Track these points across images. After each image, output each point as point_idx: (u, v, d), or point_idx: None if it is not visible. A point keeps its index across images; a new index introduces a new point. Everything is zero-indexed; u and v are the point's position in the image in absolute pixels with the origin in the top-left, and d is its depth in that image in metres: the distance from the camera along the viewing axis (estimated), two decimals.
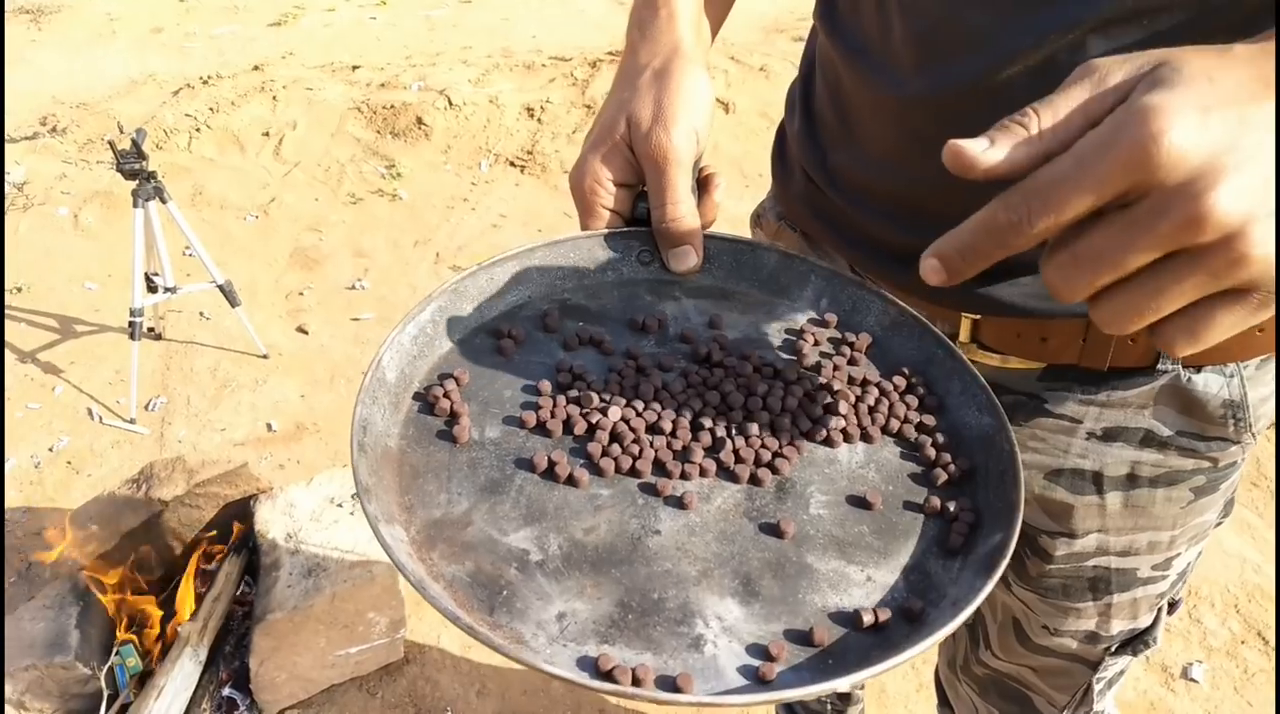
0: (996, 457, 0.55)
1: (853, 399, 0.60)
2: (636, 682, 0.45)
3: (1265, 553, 1.98)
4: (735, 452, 0.56)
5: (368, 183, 3.23)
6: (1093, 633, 0.84)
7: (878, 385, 0.61)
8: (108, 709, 1.62)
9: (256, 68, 3.74)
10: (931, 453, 0.57)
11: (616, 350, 0.63)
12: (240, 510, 1.87)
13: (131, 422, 2.39)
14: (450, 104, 3.45)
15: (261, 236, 3.02)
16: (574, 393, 0.59)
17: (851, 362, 0.63)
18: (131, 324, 2.35)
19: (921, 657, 1.83)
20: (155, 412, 2.43)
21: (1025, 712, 0.95)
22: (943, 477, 0.56)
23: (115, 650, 1.70)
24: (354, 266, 2.91)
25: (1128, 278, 0.40)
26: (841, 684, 0.45)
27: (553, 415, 0.57)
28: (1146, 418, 0.71)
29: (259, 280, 2.85)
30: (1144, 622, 0.85)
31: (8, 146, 3.25)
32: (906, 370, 0.62)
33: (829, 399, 0.59)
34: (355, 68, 3.76)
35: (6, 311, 2.74)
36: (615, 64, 3.71)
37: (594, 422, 0.57)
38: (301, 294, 2.81)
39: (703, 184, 0.68)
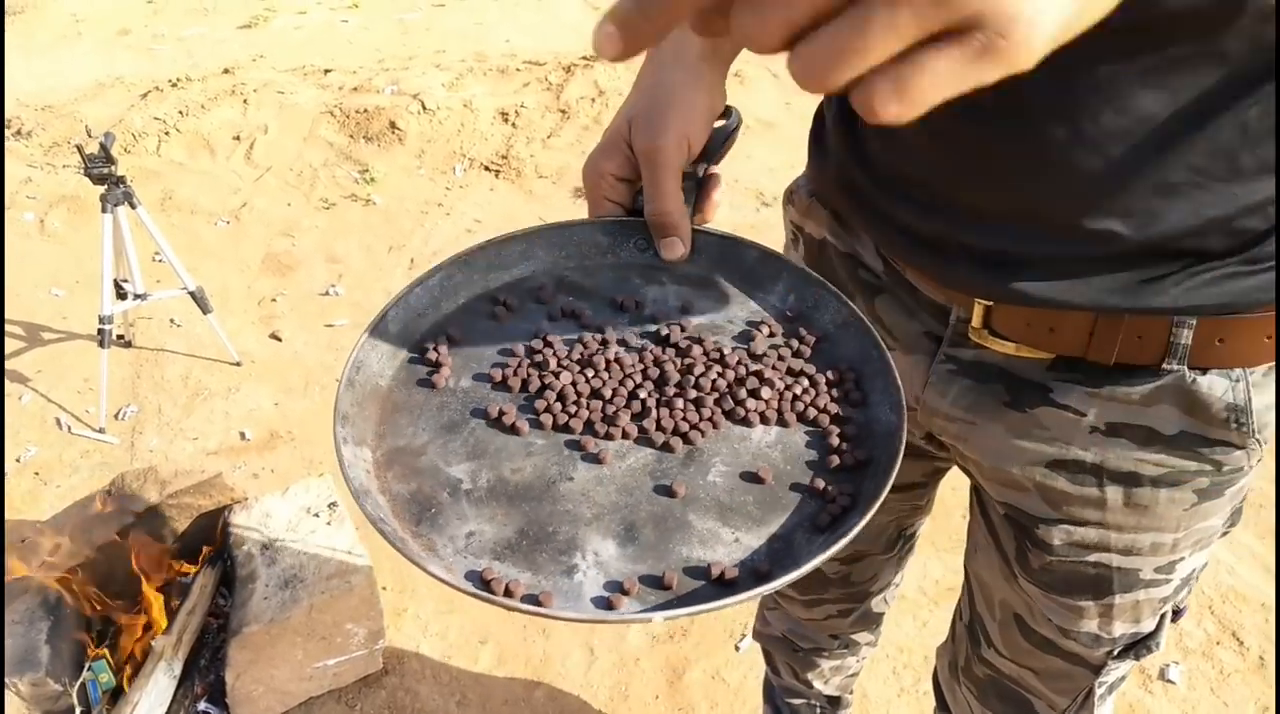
0: (888, 451, 0.59)
1: (779, 386, 0.65)
2: (508, 593, 0.53)
3: (1238, 555, 2.00)
4: (657, 421, 0.63)
5: (341, 188, 3.20)
6: (1095, 634, 0.85)
7: (810, 377, 0.66)
8: None
9: (227, 70, 3.69)
10: (834, 441, 0.62)
11: (591, 324, 0.70)
12: (214, 521, 1.84)
13: (101, 431, 2.35)
14: (424, 108, 3.42)
15: (233, 242, 2.98)
16: (539, 357, 0.67)
17: (797, 353, 0.68)
18: (100, 331, 2.31)
19: (903, 661, 1.83)
20: (125, 421, 2.39)
21: None
22: (836, 462, 0.61)
23: (87, 666, 1.66)
24: (328, 272, 2.88)
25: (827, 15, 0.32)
26: (658, 617, 0.52)
27: (515, 374, 0.66)
28: (1150, 416, 0.71)
29: (231, 286, 2.82)
30: (1146, 626, 0.85)
31: None
32: (843, 366, 0.67)
33: (757, 384, 0.65)
34: (327, 71, 3.72)
35: None
36: (589, 69, 3.70)
37: (546, 382, 0.66)
38: (274, 300, 2.77)
39: (705, 183, 0.75)
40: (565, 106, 3.54)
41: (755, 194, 3.17)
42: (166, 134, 3.29)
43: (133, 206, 2.27)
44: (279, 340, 2.63)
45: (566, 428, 0.63)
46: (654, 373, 0.66)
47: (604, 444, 0.62)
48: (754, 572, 0.55)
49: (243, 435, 2.35)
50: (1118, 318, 0.68)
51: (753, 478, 0.61)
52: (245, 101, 3.47)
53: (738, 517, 0.58)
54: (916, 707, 1.78)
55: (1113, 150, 0.61)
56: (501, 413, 0.63)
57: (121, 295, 2.40)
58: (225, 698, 1.70)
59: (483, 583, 0.54)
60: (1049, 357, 0.73)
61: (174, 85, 3.53)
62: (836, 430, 0.63)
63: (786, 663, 1.37)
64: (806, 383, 0.65)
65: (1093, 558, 0.80)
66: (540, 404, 0.64)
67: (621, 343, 0.69)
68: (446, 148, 3.35)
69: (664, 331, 0.69)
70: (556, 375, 0.66)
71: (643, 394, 0.65)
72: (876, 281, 0.83)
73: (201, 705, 1.73)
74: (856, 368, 0.66)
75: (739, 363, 0.66)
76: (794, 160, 3.13)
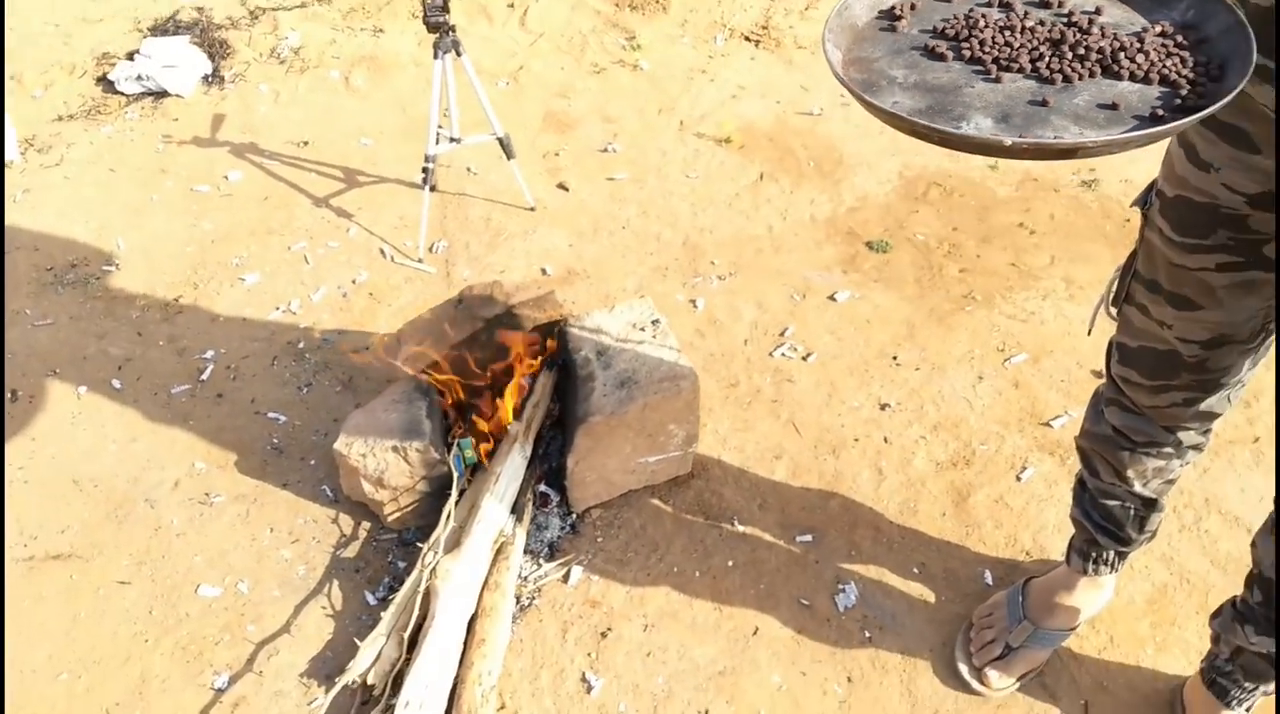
0: (1220, 99, 0.79)
1: (1154, 57, 0.86)
2: (909, 121, 0.81)
3: None
4: (1048, 62, 0.87)
5: (609, 54, 3.37)
6: None
7: (1181, 56, 0.86)
8: (455, 490, 1.88)
9: None
10: (1183, 92, 0.83)
11: (1019, 10, 0.97)
12: (550, 331, 2.08)
13: (420, 261, 2.65)
14: None
15: (514, 101, 3.21)
16: (973, 20, 0.95)
17: (1179, 44, 0.88)
18: (425, 170, 2.58)
19: (1184, 501, 1.92)
20: (439, 254, 2.68)
21: None
22: (1178, 103, 0.82)
23: (455, 443, 1.96)
24: (604, 131, 3.07)
25: None
26: (1007, 139, 0.78)
27: (951, 27, 0.95)
28: None
29: (516, 141, 3.03)
30: None
31: (283, 13, 3.52)
32: (1214, 55, 0.87)
33: (1135, 51, 0.87)
34: None
35: (298, 163, 3.03)
36: None
37: (972, 33, 0.93)
38: (557, 155, 2.99)
39: None
40: None
41: None
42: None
43: (458, 54, 2.50)
44: (566, 190, 2.86)
45: (978, 61, 0.90)
46: (1055, 37, 0.91)
47: (1003, 74, 0.89)
48: (1080, 147, 0.78)
49: (543, 271, 2.59)
50: None
51: (1109, 107, 0.84)
52: None
53: (1087, 123, 0.83)
54: (1197, 542, 1.86)
55: None
56: (934, 48, 0.93)
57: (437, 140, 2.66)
58: (563, 480, 1.96)
59: (887, 112, 0.83)
60: None
61: None
62: (1188, 87, 0.83)
63: (1108, 461, 1.47)
64: (1178, 59, 0.86)
65: None
66: (964, 46, 0.92)
67: (1039, 22, 0.94)
68: (708, 17, 3.45)
69: (1074, 18, 0.93)
70: (982, 30, 0.93)
71: (1043, 49, 0.91)
72: None
73: (541, 487, 2.00)
74: (1225, 58, 0.85)
75: (1127, 42, 0.89)
76: None
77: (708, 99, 3.14)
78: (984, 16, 0.96)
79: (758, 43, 3.36)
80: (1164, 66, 0.86)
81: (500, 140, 2.64)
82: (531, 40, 3.44)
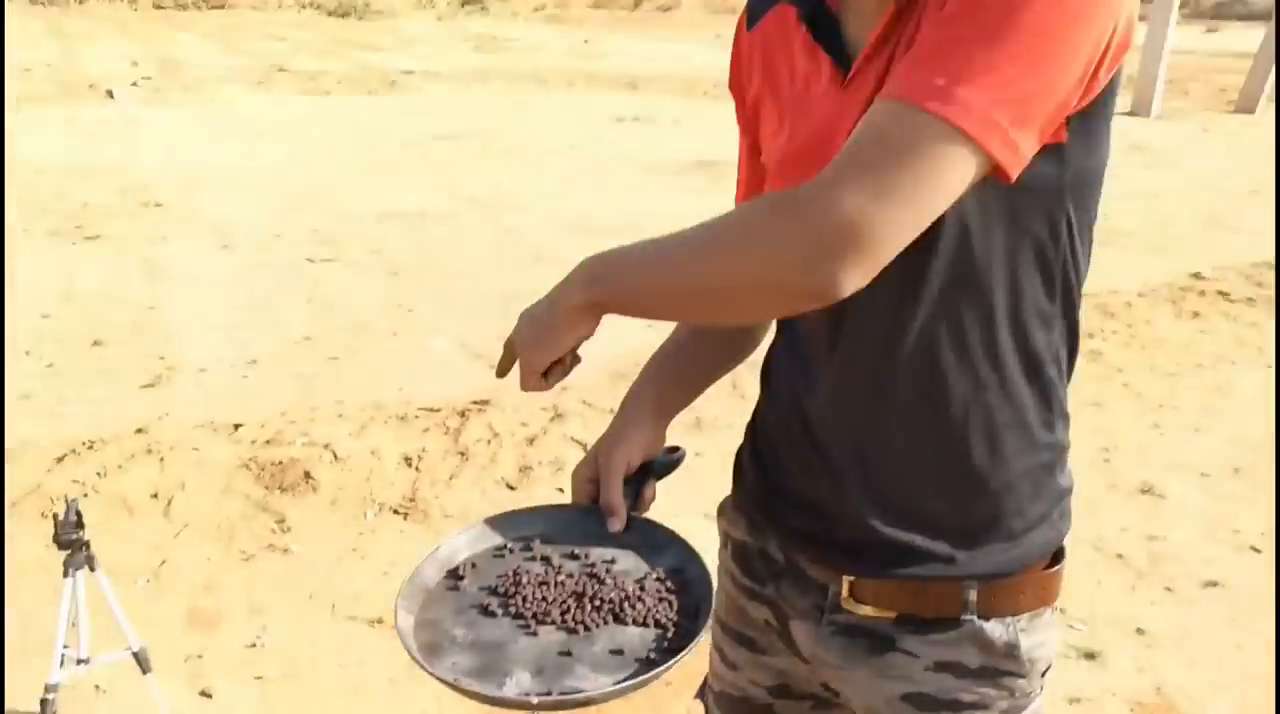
0: (689, 646, 1.05)
1: (650, 604, 1.11)
2: (459, 687, 0.98)
3: None
4: (575, 616, 1.09)
5: (258, 539, 3.43)
6: None
7: (670, 601, 1.12)
8: None
9: (139, 430, 3.95)
10: (670, 636, 1.09)
11: (555, 563, 1.17)
12: None
13: None
14: (335, 457, 3.76)
15: (154, 600, 3.12)
16: (518, 578, 1.14)
17: (669, 590, 1.14)
18: (43, 702, 2.39)
19: None
20: None
21: None
22: (666, 646, 1.07)
23: None
24: (251, 625, 3.04)
25: None
26: (534, 699, 0.96)
27: (501, 584, 1.13)
28: (960, 654, 1.09)
29: (155, 646, 2.90)
30: None
31: None
32: (695, 600, 1.13)
33: (636, 601, 1.11)
34: (237, 426, 4.04)
35: None
36: (481, 414, 4.16)
37: (517, 591, 1.12)
38: (200, 657, 2.90)
39: (643, 488, 1.24)
40: (464, 449, 3.96)
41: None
42: (85, 496, 3.47)
43: (92, 569, 2.45)
44: (210, 697, 2.74)
45: (521, 615, 1.08)
46: (579, 590, 1.12)
47: (540, 627, 1.07)
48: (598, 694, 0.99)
49: None
50: (929, 584, 1.08)
51: (618, 652, 1.04)
52: (161, 459, 3.71)
53: (602, 669, 1.02)
54: None
55: (891, 479, 1.08)
56: (487, 605, 1.10)
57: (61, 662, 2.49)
58: None
59: (447, 682, 0.98)
60: (893, 614, 1.11)
61: (89, 447, 3.75)
62: (673, 629, 1.09)
63: None
64: (667, 605, 1.11)
65: None
66: (510, 602, 1.10)
67: (569, 575, 1.15)
68: (357, 494, 3.67)
69: (595, 571, 1.16)
70: (524, 586, 1.12)
71: (570, 601, 1.10)
72: (779, 568, 1.21)
73: None
74: (698, 602, 1.12)
75: (631, 591, 1.13)
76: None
77: (359, 578, 3.26)
78: (528, 572, 1.14)
79: (406, 515, 3.60)
80: (657, 611, 1.10)
81: (136, 655, 2.53)
82: (176, 531, 3.43)
